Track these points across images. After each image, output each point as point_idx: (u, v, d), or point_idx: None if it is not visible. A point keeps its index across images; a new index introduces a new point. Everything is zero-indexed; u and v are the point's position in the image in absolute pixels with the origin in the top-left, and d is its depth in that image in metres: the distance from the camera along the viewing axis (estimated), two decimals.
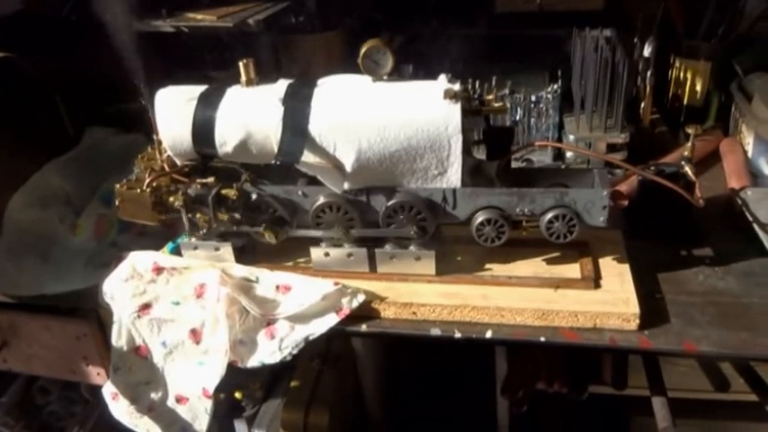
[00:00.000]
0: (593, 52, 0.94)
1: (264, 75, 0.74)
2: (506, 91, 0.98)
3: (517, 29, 1.18)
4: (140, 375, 0.80)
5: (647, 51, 1.08)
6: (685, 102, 1.13)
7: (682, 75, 1.12)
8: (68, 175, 1.00)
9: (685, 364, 1.09)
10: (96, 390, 1.01)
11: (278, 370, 1.14)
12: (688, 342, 0.67)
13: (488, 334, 0.71)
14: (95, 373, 1.01)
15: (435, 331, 0.72)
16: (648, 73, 1.06)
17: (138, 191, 0.74)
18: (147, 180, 0.74)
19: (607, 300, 0.71)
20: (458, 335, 0.71)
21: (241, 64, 0.72)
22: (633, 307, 0.69)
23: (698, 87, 1.11)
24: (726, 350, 0.67)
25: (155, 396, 0.80)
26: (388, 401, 1.29)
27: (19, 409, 1.24)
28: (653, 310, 0.71)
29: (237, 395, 1.15)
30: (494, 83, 0.96)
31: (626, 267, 0.75)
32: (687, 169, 0.80)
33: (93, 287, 0.84)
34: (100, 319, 0.94)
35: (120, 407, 0.81)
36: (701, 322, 0.70)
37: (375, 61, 0.69)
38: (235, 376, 0.75)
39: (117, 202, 0.76)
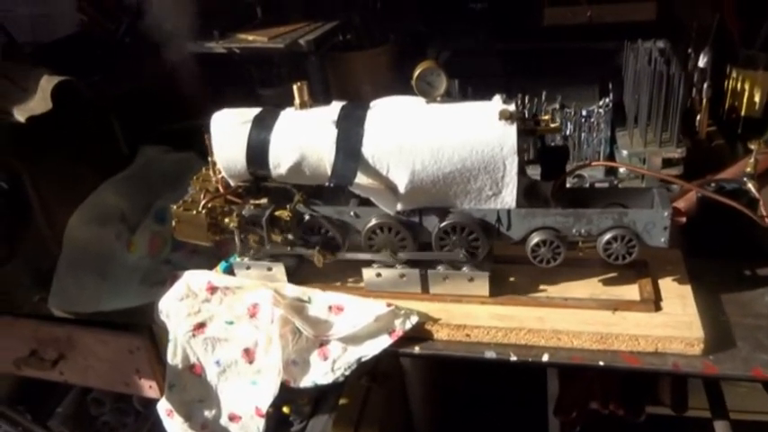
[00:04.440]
0: (646, 65, 0.92)
1: (312, 92, 0.75)
2: (556, 105, 0.97)
3: (566, 42, 1.16)
4: (195, 393, 0.81)
5: (702, 62, 1.05)
6: (743, 113, 1.09)
7: (739, 85, 1.08)
8: (123, 194, 1.03)
9: (746, 386, 1.05)
10: (148, 402, 1.03)
11: (326, 386, 1.14)
12: (757, 368, 0.65)
13: (545, 357, 0.69)
14: (147, 386, 1.03)
15: (490, 354, 0.71)
16: (705, 84, 1.03)
17: (194, 212, 0.75)
18: (203, 202, 0.75)
19: (669, 323, 0.68)
20: (513, 358, 0.70)
21: (295, 87, 0.72)
22: (697, 331, 0.67)
23: (756, 98, 1.07)
24: None
25: (208, 414, 0.81)
26: (438, 420, 1.28)
27: (74, 419, 1.27)
28: (717, 334, 0.68)
29: (285, 410, 1.16)
30: (543, 97, 0.95)
31: (688, 289, 0.73)
32: (750, 186, 0.77)
33: (147, 304, 0.86)
34: (152, 333, 0.95)
35: (174, 424, 0.82)
36: None
37: (429, 83, 0.69)
38: (283, 391, 0.76)
39: (173, 223, 0.77)
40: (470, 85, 1.03)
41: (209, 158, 0.76)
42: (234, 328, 0.78)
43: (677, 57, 0.94)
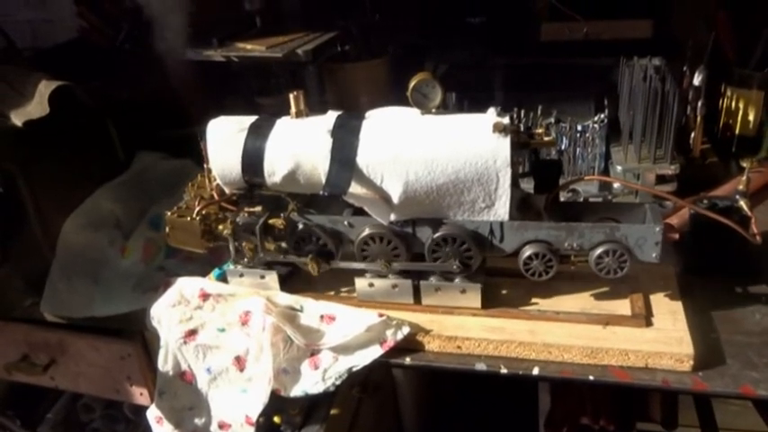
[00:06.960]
0: (641, 81, 0.92)
1: (309, 102, 0.75)
2: (552, 120, 0.98)
3: (563, 57, 1.17)
4: (185, 400, 0.81)
5: (697, 80, 1.06)
6: (737, 132, 1.10)
7: (733, 104, 1.09)
8: (119, 199, 1.03)
9: (737, 403, 1.05)
10: (139, 409, 1.03)
11: (317, 396, 1.14)
12: (746, 385, 0.65)
13: (535, 371, 0.69)
14: (138, 393, 1.02)
15: (480, 366, 0.71)
16: (699, 102, 1.04)
17: (188, 219, 0.75)
18: (197, 208, 0.75)
19: (659, 338, 0.69)
20: (504, 371, 0.70)
21: (291, 96, 0.73)
22: (687, 347, 0.67)
23: (750, 117, 1.08)
24: None
25: (198, 422, 0.81)
26: None
27: (64, 425, 1.26)
28: (707, 351, 0.68)
29: (276, 420, 1.15)
30: (539, 112, 0.96)
31: (679, 305, 0.73)
32: (742, 203, 0.77)
33: (140, 311, 0.86)
34: (144, 339, 0.95)
35: (164, 431, 0.81)
36: (758, 364, 0.67)
37: (424, 94, 0.69)
38: (275, 400, 0.75)
39: (167, 230, 0.77)
40: (467, 99, 1.04)
41: (205, 165, 0.76)
42: (225, 335, 0.78)
43: (672, 74, 0.95)
